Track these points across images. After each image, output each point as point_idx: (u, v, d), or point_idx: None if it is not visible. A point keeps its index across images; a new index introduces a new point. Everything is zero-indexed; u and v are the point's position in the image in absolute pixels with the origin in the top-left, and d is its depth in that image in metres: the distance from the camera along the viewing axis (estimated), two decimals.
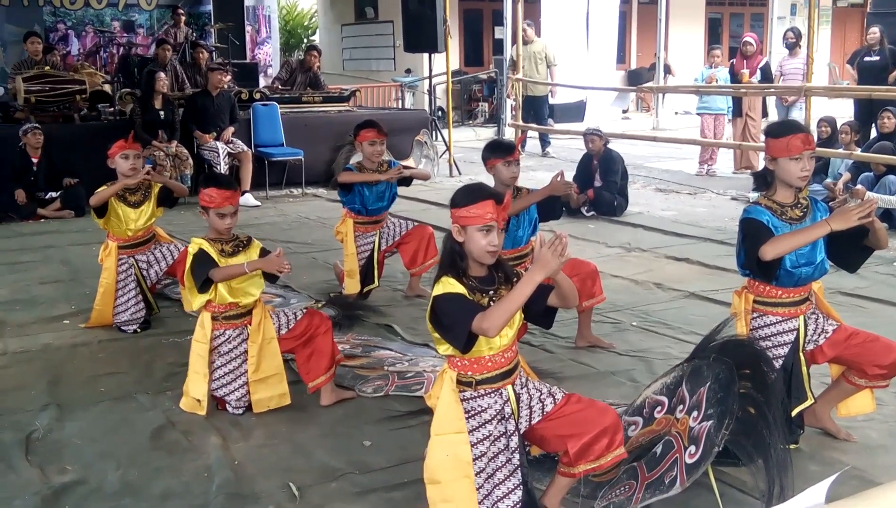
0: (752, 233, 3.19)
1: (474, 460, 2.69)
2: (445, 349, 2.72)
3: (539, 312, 2.85)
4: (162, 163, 8.91)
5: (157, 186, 5.06)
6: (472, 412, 2.74)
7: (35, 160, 8.45)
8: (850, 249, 3.25)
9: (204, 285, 3.71)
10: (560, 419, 2.73)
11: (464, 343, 2.62)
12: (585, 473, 2.74)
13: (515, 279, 2.73)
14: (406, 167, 5.56)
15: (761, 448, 2.80)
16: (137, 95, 9.52)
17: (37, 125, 8.51)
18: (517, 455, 2.75)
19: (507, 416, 2.76)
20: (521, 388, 2.83)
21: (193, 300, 3.84)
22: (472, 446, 2.70)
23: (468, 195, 2.72)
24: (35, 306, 5.52)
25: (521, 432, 2.80)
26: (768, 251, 3.08)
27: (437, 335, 2.70)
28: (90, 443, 3.56)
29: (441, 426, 2.74)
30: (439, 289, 2.68)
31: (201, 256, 3.75)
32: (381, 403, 3.95)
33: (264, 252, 3.85)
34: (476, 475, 2.68)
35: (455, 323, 2.62)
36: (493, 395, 2.76)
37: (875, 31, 10.19)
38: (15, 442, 3.54)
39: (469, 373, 2.74)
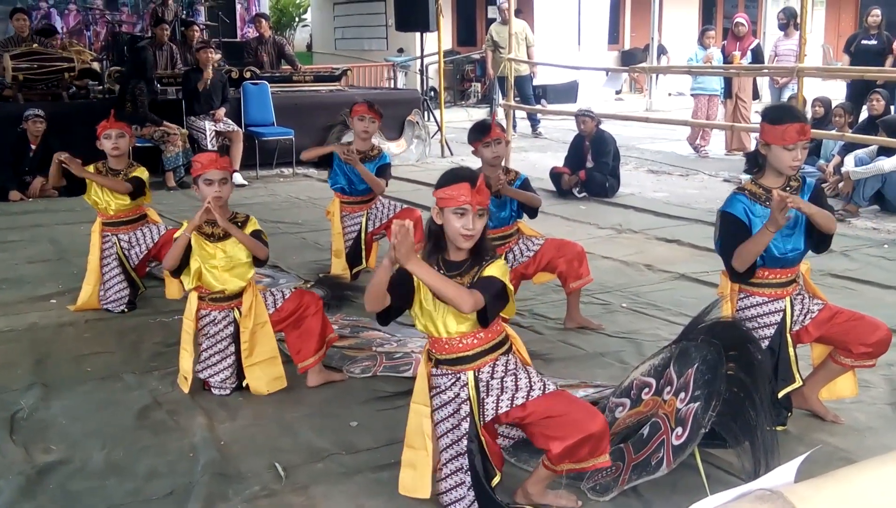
0: (726, 231, 3.23)
1: (437, 436, 2.78)
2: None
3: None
4: (175, 133, 8.91)
5: (138, 169, 4.98)
6: (435, 389, 2.81)
7: (33, 147, 8.31)
8: (814, 233, 3.23)
9: (176, 271, 3.74)
10: (548, 420, 2.65)
11: (379, 317, 2.81)
12: (567, 472, 2.74)
13: (486, 261, 2.72)
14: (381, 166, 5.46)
15: (747, 430, 2.81)
16: (143, 77, 9.43)
17: (39, 113, 8.27)
18: (464, 442, 2.74)
19: (462, 400, 2.76)
20: (492, 377, 2.76)
21: (170, 287, 3.85)
22: (435, 423, 2.79)
23: (446, 177, 2.75)
24: (22, 285, 5.49)
25: (486, 420, 2.75)
26: (738, 266, 3.18)
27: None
28: (75, 422, 3.54)
29: (415, 395, 2.86)
30: None
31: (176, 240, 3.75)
32: (369, 383, 3.93)
33: (256, 233, 3.80)
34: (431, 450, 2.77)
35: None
36: (450, 377, 2.79)
37: (877, 14, 10.02)
38: None
39: (433, 350, 2.82)
